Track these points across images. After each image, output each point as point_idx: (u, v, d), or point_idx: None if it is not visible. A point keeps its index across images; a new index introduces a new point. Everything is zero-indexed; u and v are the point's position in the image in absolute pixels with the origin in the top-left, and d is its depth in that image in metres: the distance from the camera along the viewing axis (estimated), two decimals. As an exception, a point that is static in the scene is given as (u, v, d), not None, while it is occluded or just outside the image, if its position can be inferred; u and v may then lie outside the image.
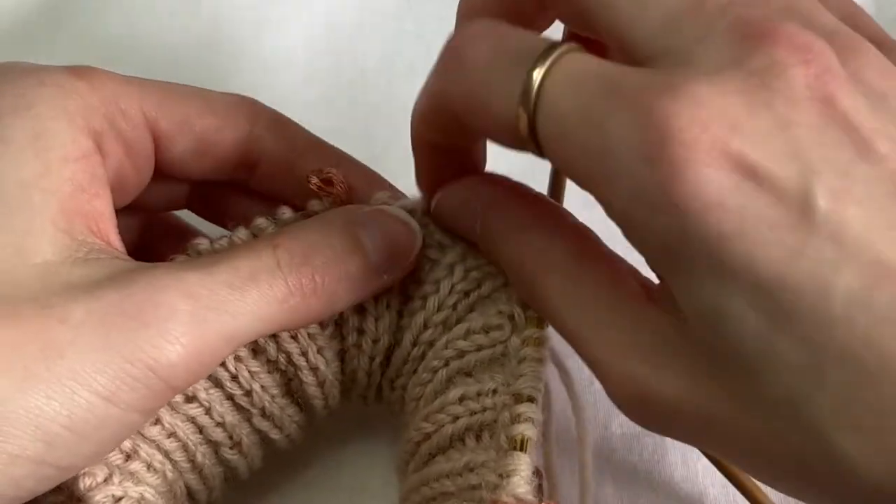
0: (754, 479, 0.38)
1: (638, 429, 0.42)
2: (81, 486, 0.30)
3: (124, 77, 0.34)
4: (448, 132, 0.33)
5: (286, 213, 0.36)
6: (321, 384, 0.36)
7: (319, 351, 0.36)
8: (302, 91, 0.54)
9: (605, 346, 0.29)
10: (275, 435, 0.37)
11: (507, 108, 0.28)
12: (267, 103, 0.38)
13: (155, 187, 0.37)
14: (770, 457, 0.26)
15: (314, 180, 0.36)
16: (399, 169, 0.50)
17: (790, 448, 0.25)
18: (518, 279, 0.33)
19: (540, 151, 0.28)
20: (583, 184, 0.28)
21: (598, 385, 0.43)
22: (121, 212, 0.35)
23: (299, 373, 0.36)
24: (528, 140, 0.28)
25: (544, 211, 0.34)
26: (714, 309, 0.25)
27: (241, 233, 0.35)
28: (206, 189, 0.39)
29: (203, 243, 0.35)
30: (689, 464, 0.41)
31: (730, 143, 0.24)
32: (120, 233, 0.33)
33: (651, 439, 0.42)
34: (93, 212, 0.31)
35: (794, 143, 0.24)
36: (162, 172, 0.36)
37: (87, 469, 0.31)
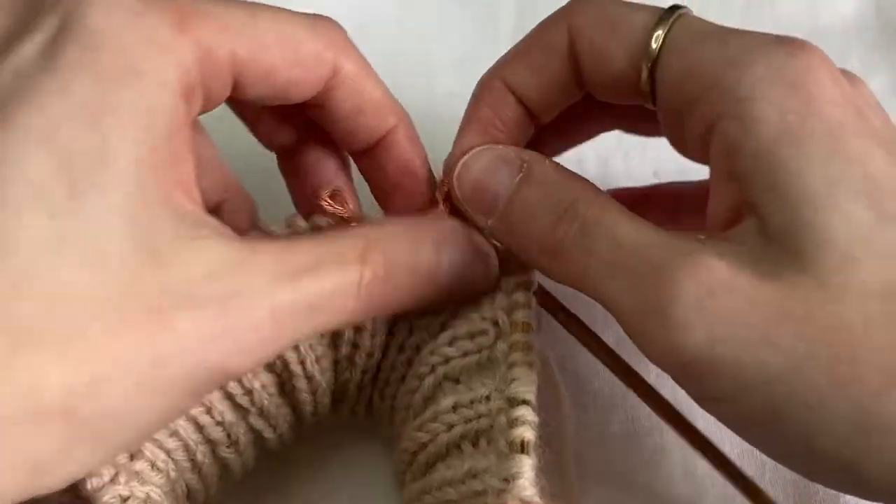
0: (754, 479, 0.38)
1: (638, 428, 0.42)
2: (89, 485, 0.31)
3: (222, 25, 0.31)
4: (548, 78, 0.35)
5: (298, 221, 0.37)
6: (314, 392, 0.37)
7: (317, 360, 0.36)
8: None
9: (674, 249, 0.30)
10: (268, 434, 0.37)
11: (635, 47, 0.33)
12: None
13: None
14: (849, 350, 0.27)
15: (324, 197, 0.36)
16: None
17: (880, 339, 0.27)
18: (565, 213, 0.33)
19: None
20: (707, 109, 0.31)
21: (597, 384, 0.43)
22: None
23: (294, 379, 0.36)
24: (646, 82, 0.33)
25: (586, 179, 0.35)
26: (824, 198, 0.28)
27: (301, 224, 0.36)
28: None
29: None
30: (688, 464, 0.41)
31: None
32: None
33: (651, 439, 0.42)
34: (188, 180, 0.31)
35: None
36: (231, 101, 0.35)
37: (94, 469, 0.31)
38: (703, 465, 0.40)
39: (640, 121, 0.39)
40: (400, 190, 0.37)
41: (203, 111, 0.33)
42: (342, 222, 0.36)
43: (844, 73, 0.32)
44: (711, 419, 0.42)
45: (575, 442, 0.41)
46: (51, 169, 0.27)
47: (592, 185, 0.34)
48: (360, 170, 0.39)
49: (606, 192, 0.34)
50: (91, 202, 0.27)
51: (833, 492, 0.40)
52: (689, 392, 0.30)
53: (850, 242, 0.28)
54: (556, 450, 0.34)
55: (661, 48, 0.33)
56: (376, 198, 0.39)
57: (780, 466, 0.41)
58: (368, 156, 0.37)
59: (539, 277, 0.36)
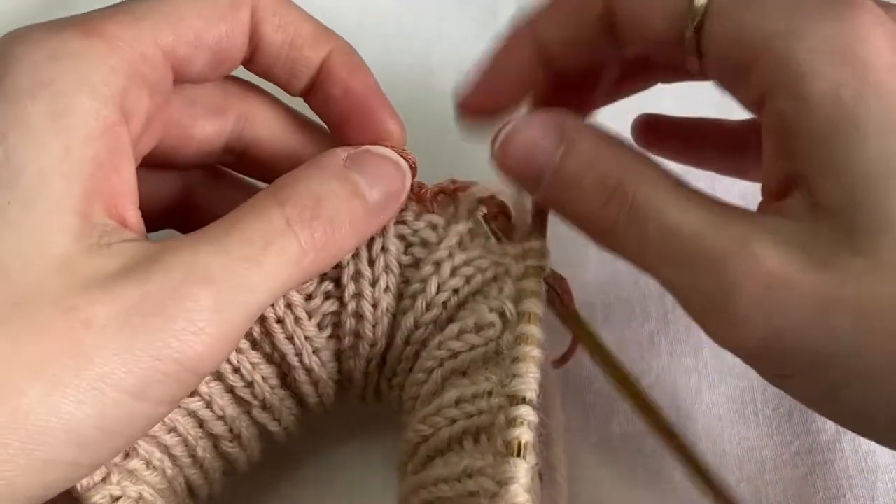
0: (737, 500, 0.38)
1: (638, 428, 0.42)
2: (78, 486, 0.30)
3: (134, 16, 0.32)
4: (579, 35, 0.34)
5: None
6: (315, 383, 0.36)
7: (315, 352, 0.36)
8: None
9: (725, 235, 0.30)
10: (273, 427, 0.37)
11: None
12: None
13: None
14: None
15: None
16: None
17: None
18: (613, 193, 0.32)
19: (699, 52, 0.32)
20: (759, 80, 0.30)
21: (597, 385, 0.43)
22: (160, 171, 0.35)
23: (293, 371, 0.36)
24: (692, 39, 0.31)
25: (630, 145, 0.34)
26: (881, 174, 0.28)
27: None
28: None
29: None
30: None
31: None
32: (161, 190, 0.33)
33: (651, 439, 0.42)
34: (111, 189, 0.30)
35: None
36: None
37: None
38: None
39: (680, 73, 0.37)
40: (351, 121, 0.36)
41: (154, 108, 0.33)
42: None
43: None
44: (711, 417, 0.42)
45: (566, 438, 0.41)
46: None
47: (636, 154, 0.33)
48: (317, 114, 0.38)
49: (649, 159, 0.33)
50: None
51: (833, 492, 0.40)
52: (756, 370, 0.31)
53: None
54: (547, 444, 0.34)
55: (705, 9, 0.31)
56: (342, 142, 0.37)
57: (779, 467, 0.41)
58: (315, 94, 0.37)
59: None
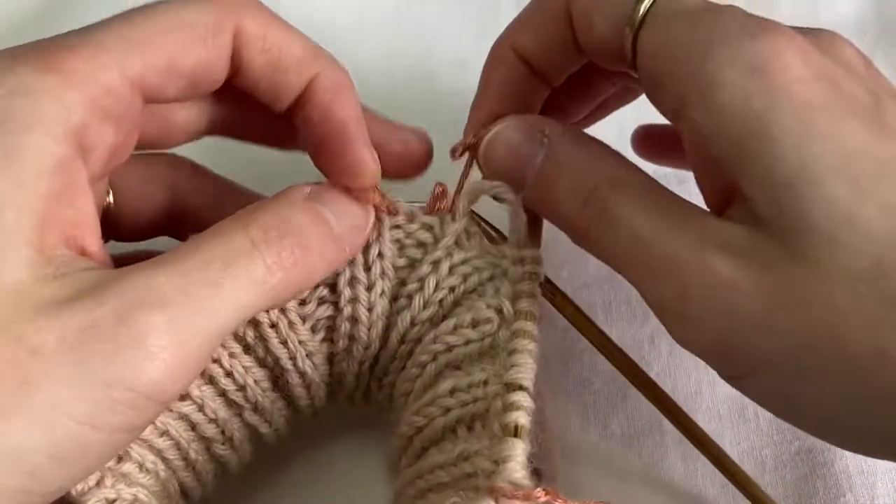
0: (752, 478, 0.38)
1: (638, 429, 0.42)
2: (73, 491, 0.30)
3: (97, 47, 0.31)
4: (549, 41, 0.35)
5: None
6: (307, 386, 0.37)
7: (309, 356, 0.36)
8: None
9: (681, 243, 0.31)
10: (264, 429, 0.37)
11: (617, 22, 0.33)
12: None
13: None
14: (839, 332, 0.28)
15: None
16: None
17: (867, 318, 0.28)
18: (588, 199, 0.33)
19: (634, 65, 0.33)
20: (674, 91, 0.31)
21: (597, 385, 0.43)
22: (145, 180, 0.35)
23: (286, 374, 0.36)
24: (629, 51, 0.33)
25: (607, 148, 0.35)
26: (801, 182, 0.29)
27: None
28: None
29: None
30: (688, 463, 0.41)
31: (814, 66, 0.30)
32: (149, 199, 0.33)
33: (651, 439, 0.42)
34: (67, 221, 0.30)
35: None
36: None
37: None
38: (702, 466, 0.40)
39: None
40: (326, 146, 0.35)
41: (122, 136, 0.33)
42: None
43: (821, 38, 0.32)
44: (711, 417, 0.42)
45: (565, 439, 0.41)
46: None
47: (613, 159, 0.34)
48: (300, 134, 0.37)
49: (627, 162, 0.34)
50: None
51: (833, 492, 0.40)
52: (712, 368, 0.32)
53: (831, 225, 0.28)
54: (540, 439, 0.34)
55: (642, 20, 0.33)
56: (317, 166, 0.36)
57: (779, 467, 0.41)
58: (297, 114, 0.36)
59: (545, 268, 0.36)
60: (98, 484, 0.31)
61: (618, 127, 0.51)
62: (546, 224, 0.49)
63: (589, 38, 0.34)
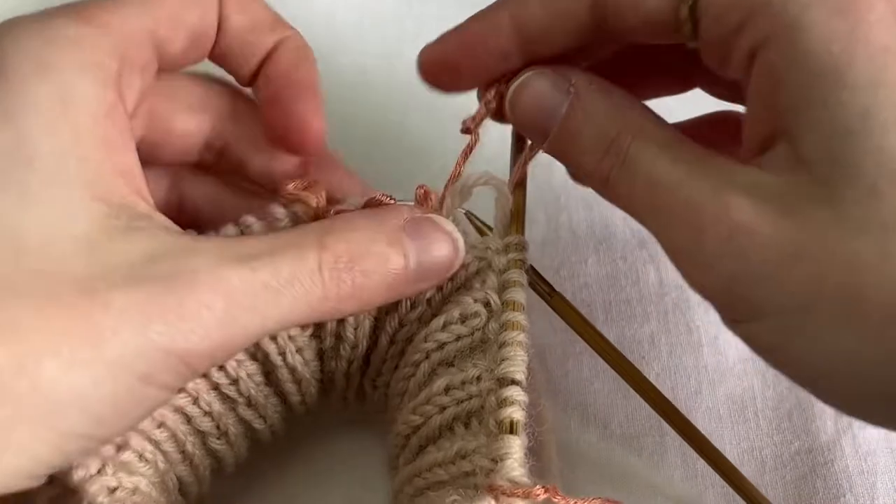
0: (750, 481, 0.38)
1: (637, 429, 0.42)
2: (75, 477, 0.31)
3: (118, 2, 0.33)
4: (560, 17, 0.34)
5: (275, 208, 0.35)
6: (297, 382, 0.37)
7: (298, 351, 0.36)
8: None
9: (702, 186, 0.31)
10: (258, 425, 0.37)
11: None
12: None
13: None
14: (856, 288, 0.28)
15: (290, 188, 0.35)
16: (399, 170, 0.50)
17: (890, 276, 0.27)
18: (610, 147, 0.33)
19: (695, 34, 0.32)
20: (752, 34, 0.30)
21: (597, 385, 0.43)
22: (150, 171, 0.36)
23: (277, 370, 0.36)
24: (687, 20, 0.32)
25: (633, 99, 0.35)
26: (859, 129, 0.28)
27: (230, 231, 0.35)
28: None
29: (229, 229, 0.34)
30: (688, 464, 0.41)
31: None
32: (151, 186, 0.33)
33: (651, 439, 0.42)
34: (126, 169, 0.31)
35: None
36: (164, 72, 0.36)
37: (79, 461, 0.31)
38: (702, 466, 0.40)
39: (668, 74, 0.38)
40: (277, 104, 0.36)
41: (145, 89, 0.34)
42: (312, 214, 0.35)
43: None
44: (711, 417, 0.42)
45: (566, 438, 0.41)
46: None
47: (635, 107, 0.34)
48: (258, 102, 0.38)
49: (653, 115, 0.34)
50: (10, 196, 0.29)
51: (833, 492, 0.40)
52: (717, 312, 0.32)
53: (877, 175, 0.28)
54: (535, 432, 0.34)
55: None
56: (265, 124, 0.37)
57: (779, 467, 0.41)
58: (257, 76, 0.37)
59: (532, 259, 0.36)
60: (100, 472, 0.31)
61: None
62: (546, 224, 0.49)
63: (636, 14, 0.33)
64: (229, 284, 0.30)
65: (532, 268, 0.37)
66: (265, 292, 0.31)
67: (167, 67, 0.36)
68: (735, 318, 0.31)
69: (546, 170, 0.50)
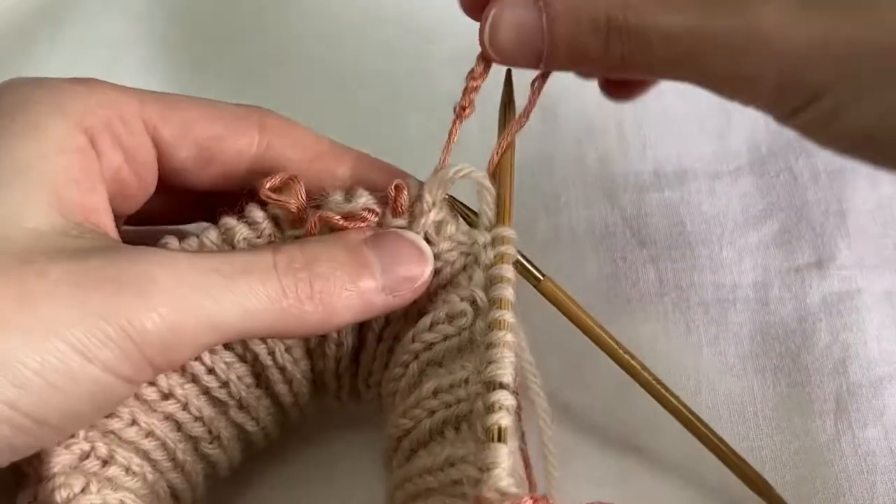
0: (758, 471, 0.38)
1: (637, 429, 0.42)
2: (58, 498, 0.30)
3: (124, 87, 0.34)
4: None
5: (254, 211, 0.35)
6: (288, 382, 0.37)
7: (287, 350, 0.36)
8: (303, 92, 0.54)
9: (723, 16, 0.32)
10: (251, 427, 0.37)
11: None
12: (268, 105, 0.38)
13: (163, 198, 0.37)
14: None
15: (268, 187, 0.34)
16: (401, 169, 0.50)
17: None
18: (607, 32, 0.33)
19: None
20: None
21: (597, 385, 0.43)
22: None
23: (267, 371, 0.36)
24: None
25: None
26: None
27: (211, 234, 0.35)
28: (219, 201, 0.38)
29: (171, 242, 0.34)
30: (688, 463, 0.41)
31: None
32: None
33: (651, 439, 0.42)
34: (89, 204, 0.31)
35: None
36: (169, 182, 0.36)
37: (63, 481, 0.30)
38: (702, 465, 0.40)
39: None
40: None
41: (151, 187, 0.35)
42: (293, 217, 0.35)
43: None
44: (711, 417, 0.42)
45: (566, 437, 0.41)
46: None
47: None
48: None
49: None
50: None
51: (833, 492, 0.40)
52: (770, 115, 0.34)
53: None
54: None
55: None
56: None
57: (779, 467, 0.41)
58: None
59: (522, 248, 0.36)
60: (83, 490, 0.31)
61: (617, 125, 0.51)
62: (546, 223, 0.49)
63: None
64: (175, 262, 0.30)
65: (520, 254, 0.36)
66: (215, 274, 0.30)
67: (171, 169, 0.35)
68: (791, 112, 0.33)
69: (546, 170, 0.50)
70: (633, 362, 0.38)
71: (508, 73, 0.38)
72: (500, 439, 0.30)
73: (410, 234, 0.35)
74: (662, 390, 0.38)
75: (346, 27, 0.56)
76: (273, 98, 0.39)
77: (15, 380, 0.27)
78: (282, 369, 0.36)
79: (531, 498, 0.28)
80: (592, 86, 0.53)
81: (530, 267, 0.36)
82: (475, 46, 0.36)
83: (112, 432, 0.33)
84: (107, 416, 0.33)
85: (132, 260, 0.30)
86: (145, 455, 0.34)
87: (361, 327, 0.37)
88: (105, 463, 0.32)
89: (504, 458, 0.30)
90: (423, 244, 0.35)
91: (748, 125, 0.51)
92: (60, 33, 0.56)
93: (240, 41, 0.56)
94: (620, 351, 0.37)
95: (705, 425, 0.38)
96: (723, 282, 0.46)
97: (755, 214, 0.48)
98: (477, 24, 0.36)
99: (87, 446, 0.32)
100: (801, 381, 0.43)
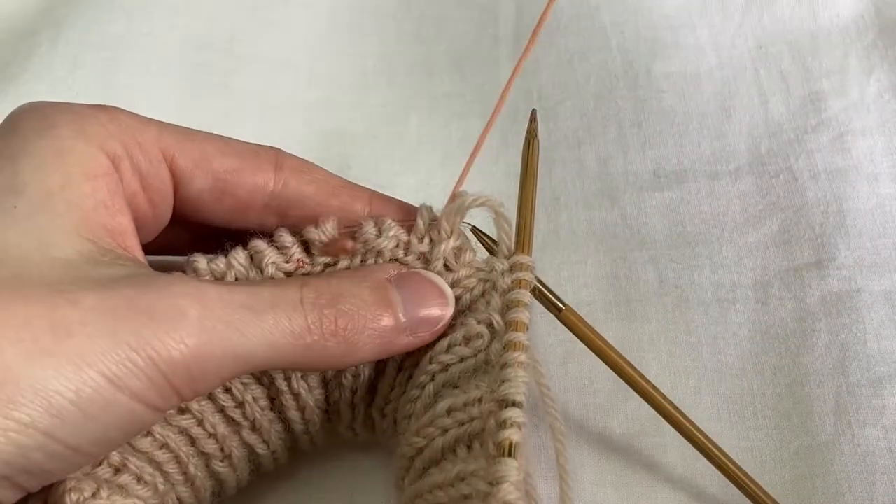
0: (753, 478, 0.38)
1: (637, 429, 0.42)
2: (69, 501, 0.30)
3: (142, 116, 0.35)
4: None
5: (284, 235, 0.36)
6: (301, 409, 0.37)
7: (303, 377, 0.36)
8: (304, 93, 0.54)
9: None
10: (261, 450, 0.37)
11: None
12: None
13: (177, 230, 0.37)
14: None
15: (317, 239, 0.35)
16: (401, 169, 0.50)
17: None
18: None
19: None
20: None
21: (597, 385, 0.43)
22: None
23: (281, 396, 0.36)
24: None
25: None
26: None
27: (239, 255, 0.35)
28: (232, 237, 0.38)
29: (199, 261, 0.35)
30: (688, 464, 0.41)
31: None
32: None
33: (651, 439, 0.42)
34: (117, 227, 0.32)
35: None
36: (184, 214, 0.36)
37: (74, 485, 0.31)
38: (702, 466, 0.40)
39: None
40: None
41: (166, 216, 0.35)
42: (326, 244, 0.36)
43: None
44: (711, 417, 0.42)
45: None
46: None
47: None
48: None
49: None
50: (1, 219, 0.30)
51: (833, 491, 0.40)
52: None
53: None
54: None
55: None
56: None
57: (779, 467, 0.41)
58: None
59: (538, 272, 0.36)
60: (94, 495, 0.31)
61: (617, 126, 0.51)
62: (546, 223, 0.49)
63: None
64: (205, 295, 0.30)
65: (539, 282, 0.37)
66: (244, 310, 0.31)
67: (188, 209, 0.36)
68: None
69: (546, 170, 0.50)
70: (656, 394, 0.38)
71: (533, 112, 0.39)
72: (510, 454, 0.31)
73: (434, 276, 0.36)
74: (686, 423, 0.38)
75: (346, 27, 0.56)
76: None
77: (51, 409, 0.27)
78: (296, 395, 0.36)
79: None
80: (592, 85, 0.54)
81: (552, 297, 0.37)
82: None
83: (128, 442, 0.33)
84: None
85: (163, 290, 0.30)
86: (158, 466, 0.34)
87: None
88: (117, 470, 0.33)
89: (514, 473, 0.30)
90: (446, 286, 0.36)
91: (748, 125, 0.51)
92: (60, 33, 0.56)
93: (239, 42, 0.56)
94: (642, 381, 0.38)
95: (734, 462, 0.38)
96: (722, 282, 0.46)
97: (755, 214, 0.48)
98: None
99: None
100: (801, 381, 0.43)
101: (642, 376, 0.38)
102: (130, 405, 0.29)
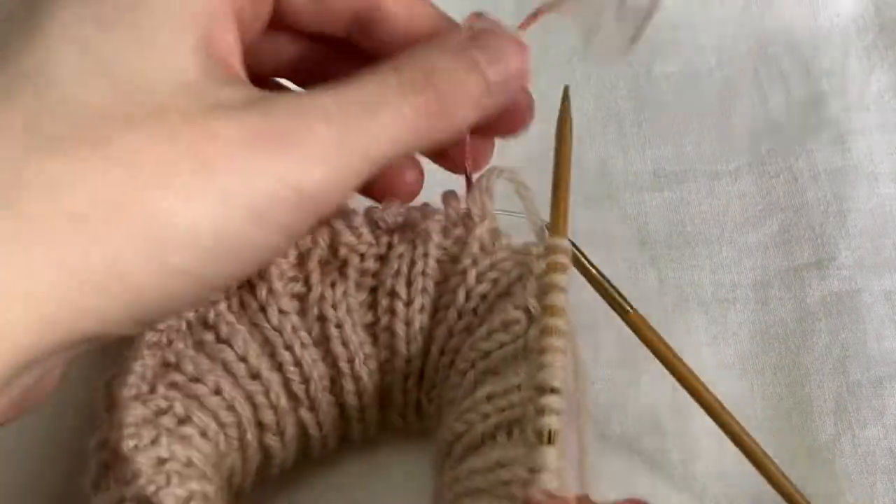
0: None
1: (637, 429, 0.42)
2: (124, 447, 0.31)
3: None
4: None
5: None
6: (360, 394, 0.37)
7: (365, 360, 0.37)
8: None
9: None
10: (313, 431, 0.37)
11: None
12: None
13: (267, 44, 0.37)
14: None
15: None
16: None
17: None
18: None
19: None
20: None
21: (597, 385, 0.43)
22: None
23: (342, 378, 0.36)
24: None
25: None
26: None
27: None
28: (316, 58, 0.39)
29: None
30: (688, 464, 0.41)
31: None
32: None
33: (651, 439, 0.42)
34: (227, 45, 0.31)
35: None
36: (279, 21, 0.36)
37: (134, 431, 0.31)
38: (702, 466, 0.40)
39: None
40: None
41: (263, 24, 0.35)
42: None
43: None
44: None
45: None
46: (82, 12, 0.29)
47: None
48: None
49: None
50: (121, 36, 0.29)
51: (833, 492, 0.40)
52: None
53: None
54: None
55: None
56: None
57: (779, 466, 0.41)
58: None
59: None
60: (153, 442, 0.31)
61: (617, 126, 0.51)
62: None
63: None
64: (326, 110, 0.30)
65: (611, 285, 0.37)
66: (361, 111, 0.31)
67: (285, 16, 0.36)
68: None
69: (546, 170, 0.50)
70: (714, 403, 0.38)
71: (566, 89, 0.39)
72: (549, 442, 0.31)
73: (507, 29, 0.36)
74: (748, 440, 0.38)
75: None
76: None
77: (198, 250, 0.27)
78: (357, 378, 0.37)
79: (576, 497, 0.29)
80: (591, 85, 0.54)
81: (620, 299, 0.37)
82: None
83: (196, 397, 0.34)
84: (193, 381, 0.34)
85: (289, 113, 0.29)
86: (222, 427, 0.34)
87: (427, 343, 0.37)
88: (181, 421, 0.33)
89: (553, 461, 0.30)
90: (519, 35, 0.36)
91: (748, 125, 0.51)
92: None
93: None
94: (706, 392, 0.38)
95: (785, 476, 0.38)
96: (723, 282, 0.46)
97: (755, 214, 0.48)
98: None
99: (164, 403, 0.33)
100: (801, 381, 0.43)
101: (706, 388, 0.38)
102: (271, 238, 0.30)
